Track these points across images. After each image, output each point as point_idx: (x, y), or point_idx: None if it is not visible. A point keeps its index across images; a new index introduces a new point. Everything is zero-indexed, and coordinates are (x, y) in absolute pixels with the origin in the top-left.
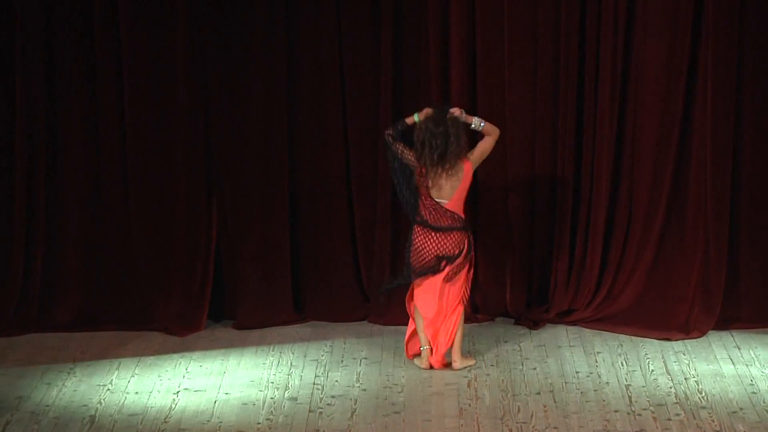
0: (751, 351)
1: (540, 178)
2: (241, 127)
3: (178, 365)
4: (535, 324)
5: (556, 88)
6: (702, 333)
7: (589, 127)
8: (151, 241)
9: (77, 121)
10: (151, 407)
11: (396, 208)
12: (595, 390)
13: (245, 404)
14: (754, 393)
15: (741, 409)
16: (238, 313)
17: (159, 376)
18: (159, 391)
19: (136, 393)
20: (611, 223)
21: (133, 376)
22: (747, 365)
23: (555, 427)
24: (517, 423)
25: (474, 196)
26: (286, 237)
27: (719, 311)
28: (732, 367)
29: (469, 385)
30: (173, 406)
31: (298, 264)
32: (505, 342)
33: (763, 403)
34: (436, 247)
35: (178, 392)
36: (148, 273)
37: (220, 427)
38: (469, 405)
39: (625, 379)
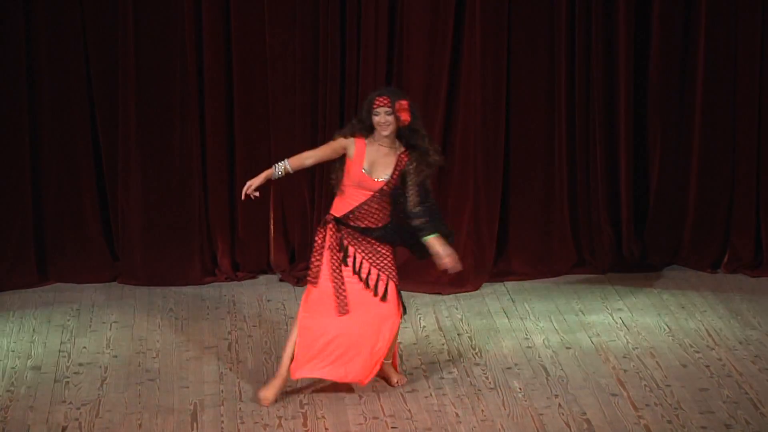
0: (525, 304)
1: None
2: None
3: None
4: (299, 281)
5: (316, 56)
6: (475, 287)
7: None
8: None
9: None
10: None
11: (146, 163)
12: None
13: None
14: (528, 348)
15: (516, 364)
16: None
17: None
18: None
19: None
20: None
21: None
22: (521, 318)
23: (322, 390)
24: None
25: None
26: (28, 191)
27: (492, 263)
28: (506, 320)
29: (229, 348)
30: None
31: (40, 220)
32: (268, 301)
33: (538, 358)
34: None
35: None
36: None
37: None
38: (230, 369)
39: None
